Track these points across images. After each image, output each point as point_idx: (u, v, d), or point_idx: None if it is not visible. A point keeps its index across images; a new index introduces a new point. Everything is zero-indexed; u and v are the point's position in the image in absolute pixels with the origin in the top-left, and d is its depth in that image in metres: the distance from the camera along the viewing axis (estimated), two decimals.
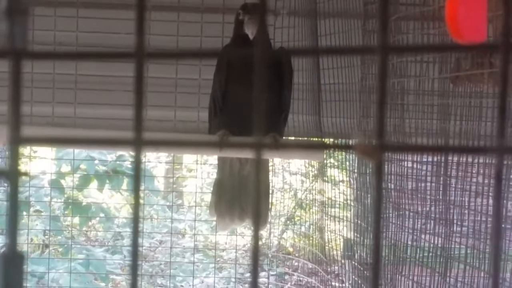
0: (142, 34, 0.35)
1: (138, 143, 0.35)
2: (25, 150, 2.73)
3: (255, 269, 0.35)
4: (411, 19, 1.75)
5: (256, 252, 0.35)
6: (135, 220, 0.35)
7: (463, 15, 0.69)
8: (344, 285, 2.55)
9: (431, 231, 1.78)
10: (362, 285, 2.17)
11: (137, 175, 0.36)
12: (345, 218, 2.49)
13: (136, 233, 0.35)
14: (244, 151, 1.88)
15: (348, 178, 2.73)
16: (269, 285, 3.17)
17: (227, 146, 1.77)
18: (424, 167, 1.90)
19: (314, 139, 2.17)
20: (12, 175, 0.36)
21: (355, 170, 2.33)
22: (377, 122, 0.35)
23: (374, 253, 0.35)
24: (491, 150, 0.32)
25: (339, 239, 2.55)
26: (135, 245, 0.35)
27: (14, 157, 0.37)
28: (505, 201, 1.58)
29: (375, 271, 0.35)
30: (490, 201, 1.60)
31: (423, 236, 1.82)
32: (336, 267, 2.56)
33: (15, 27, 0.36)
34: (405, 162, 1.89)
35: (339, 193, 2.71)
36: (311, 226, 2.89)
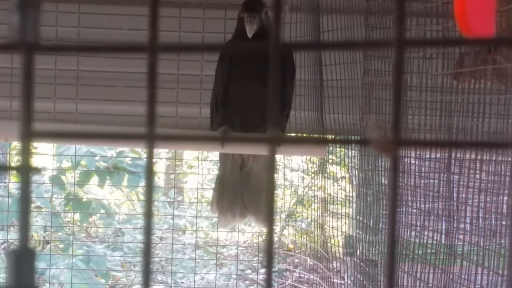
0: (155, 28, 0.34)
1: (151, 138, 0.34)
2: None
3: (269, 266, 0.34)
4: (413, 15, 1.74)
5: (270, 249, 0.34)
6: (148, 216, 0.35)
7: (471, 9, 0.68)
8: (345, 281, 2.54)
9: (433, 228, 1.78)
10: (364, 282, 2.17)
11: (150, 170, 0.36)
12: (346, 215, 2.48)
13: (149, 230, 0.35)
14: (246, 147, 1.87)
15: (349, 175, 2.73)
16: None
17: (230, 141, 1.76)
18: (427, 164, 1.90)
19: (316, 135, 2.16)
20: (24, 170, 0.36)
21: (356, 167, 2.32)
22: (393, 116, 0.34)
23: (389, 247, 0.34)
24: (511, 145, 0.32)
25: (340, 235, 2.54)
26: (148, 243, 0.35)
27: (25, 151, 0.36)
28: (506, 198, 1.58)
29: (390, 267, 0.35)
30: (494, 198, 1.59)
31: (425, 232, 1.81)
32: (337, 264, 2.56)
33: (27, 20, 0.35)
34: (407, 159, 1.89)
35: (340, 189, 2.71)
36: (312, 222, 2.89)
